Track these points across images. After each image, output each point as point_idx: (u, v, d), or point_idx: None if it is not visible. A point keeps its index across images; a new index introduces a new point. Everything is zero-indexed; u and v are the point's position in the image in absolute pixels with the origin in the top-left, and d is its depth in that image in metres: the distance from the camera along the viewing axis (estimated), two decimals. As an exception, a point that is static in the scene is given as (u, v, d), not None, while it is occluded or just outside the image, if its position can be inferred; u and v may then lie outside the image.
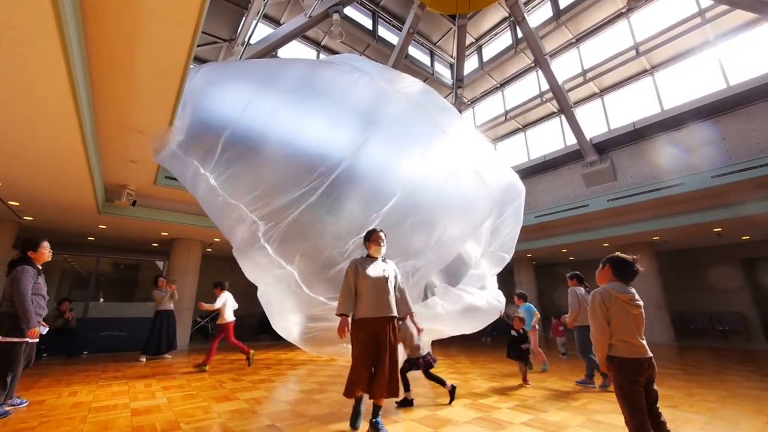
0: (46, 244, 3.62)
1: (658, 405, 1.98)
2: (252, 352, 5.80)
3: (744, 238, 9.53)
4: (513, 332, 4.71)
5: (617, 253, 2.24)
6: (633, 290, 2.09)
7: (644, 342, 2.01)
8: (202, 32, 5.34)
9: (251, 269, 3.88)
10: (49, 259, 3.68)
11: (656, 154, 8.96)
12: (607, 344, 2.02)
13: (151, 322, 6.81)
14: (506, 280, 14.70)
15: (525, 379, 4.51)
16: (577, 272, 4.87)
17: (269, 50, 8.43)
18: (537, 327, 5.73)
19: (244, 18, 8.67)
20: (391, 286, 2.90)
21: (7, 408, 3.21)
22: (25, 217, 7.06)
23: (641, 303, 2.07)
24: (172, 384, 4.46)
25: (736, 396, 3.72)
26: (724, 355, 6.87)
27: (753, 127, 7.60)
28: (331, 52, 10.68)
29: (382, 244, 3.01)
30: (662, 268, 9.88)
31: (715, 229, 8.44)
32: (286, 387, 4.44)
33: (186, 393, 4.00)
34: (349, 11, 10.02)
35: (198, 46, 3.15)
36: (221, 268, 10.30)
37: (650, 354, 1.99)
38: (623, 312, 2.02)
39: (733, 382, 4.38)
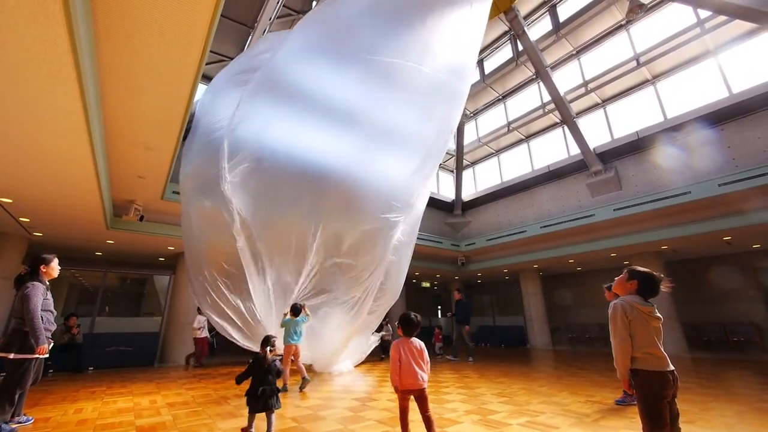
0: (57, 260, 3.71)
1: (678, 422, 1.93)
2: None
3: (755, 246, 9.38)
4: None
5: (648, 270, 2.17)
6: (652, 303, 2.07)
7: (665, 354, 1.98)
8: (210, 51, 5.47)
9: None
10: (56, 276, 3.75)
11: (661, 163, 8.93)
12: (630, 357, 1.99)
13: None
14: (513, 290, 14.55)
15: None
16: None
17: (274, 67, 8.62)
18: (295, 341, 5.04)
19: (250, 36, 8.91)
20: None
21: (14, 425, 3.20)
22: (34, 233, 7.17)
23: (661, 316, 2.05)
24: (177, 401, 4.42)
25: (754, 410, 3.60)
26: (740, 368, 6.67)
27: (758, 135, 7.57)
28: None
29: None
30: (671, 278, 9.65)
31: (724, 238, 8.33)
32: (291, 403, 4.38)
33: (191, 410, 3.96)
34: (352, 28, 10.25)
35: (205, 64, 3.25)
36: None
37: (672, 366, 1.95)
38: (645, 324, 2.00)
39: (751, 396, 4.23)
